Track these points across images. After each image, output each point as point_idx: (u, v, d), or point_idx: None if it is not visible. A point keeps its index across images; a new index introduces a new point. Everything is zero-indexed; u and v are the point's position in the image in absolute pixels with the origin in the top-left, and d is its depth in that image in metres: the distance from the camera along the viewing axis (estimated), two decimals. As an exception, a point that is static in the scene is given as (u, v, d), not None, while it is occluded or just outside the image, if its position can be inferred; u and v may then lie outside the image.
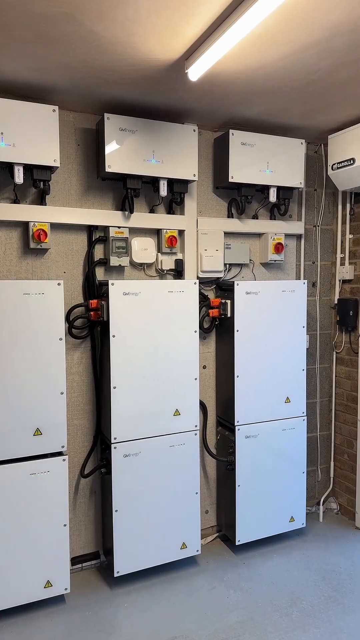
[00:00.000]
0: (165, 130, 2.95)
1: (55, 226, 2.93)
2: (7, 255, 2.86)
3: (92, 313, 2.98)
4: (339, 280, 3.81)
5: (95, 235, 3.05)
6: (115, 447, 2.90)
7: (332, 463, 3.94)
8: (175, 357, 3.02)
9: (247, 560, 3.27)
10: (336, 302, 3.81)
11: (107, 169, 2.83)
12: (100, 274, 3.10)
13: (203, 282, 3.34)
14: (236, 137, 3.14)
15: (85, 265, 3.06)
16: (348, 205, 3.71)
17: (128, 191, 2.98)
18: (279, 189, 3.36)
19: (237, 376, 3.21)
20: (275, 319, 3.30)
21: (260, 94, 2.77)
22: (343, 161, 3.25)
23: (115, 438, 2.89)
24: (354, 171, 3.19)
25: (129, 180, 2.94)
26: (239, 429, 3.25)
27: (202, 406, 3.41)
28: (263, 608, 2.82)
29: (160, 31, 2.07)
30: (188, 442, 3.09)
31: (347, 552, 3.37)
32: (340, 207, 3.76)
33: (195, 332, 3.07)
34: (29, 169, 2.71)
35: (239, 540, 3.29)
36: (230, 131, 3.13)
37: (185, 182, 3.11)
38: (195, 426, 3.12)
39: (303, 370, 3.44)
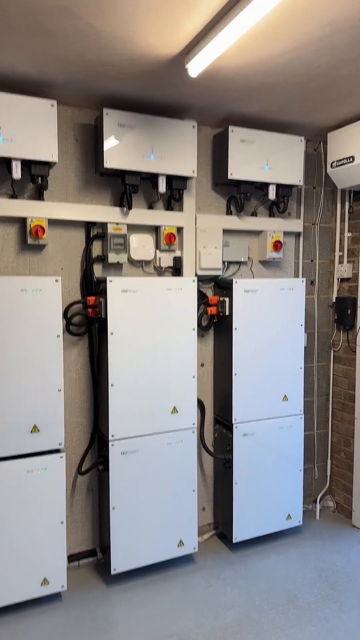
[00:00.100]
0: (165, 126, 2.93)
1: (53, 222, 2.91)
2: (4, 251, 2.84)
3: (89, 310, 2.96)
4: (337, 279, 3.80)
5: (94, 231, 3.03)
6: (112, 445, 2.89)
7: (329, 461, 3.94)
8: (174, 355, 3.01)
9: (244, 558, 3.27)
10: (334, 300, 3.80)
11: (106, 165, 2.81)
12: (98, 270, 3.08)
13: (201, 279, 3.33)
14: (235, 134, 3.13)
15: (83, 262, 3.04)
16: (347, 203, 3.70)
17: (126, 187, 2.96)
18: (278, 186, 3.35)
19: (235, 374, 3.21)
20: (273, 317, 3.29)
21: (260, 91, 2.76)
22: (342, 159, 3.24)
23: (112, 435, 2.88)
24: (354, 169, 3.18)
25: (127, 176, 2.92)
26: (236, 427, 3.24)
27: (200, 404, 3.41)
28: (260, 606, 2.82)
29: (161, 26, 2.05)
30: (186, 440, 3.08)
31: (343, 550, 3.37)
32: (339, 205, 3.75)
33: (194, 330, 3.06)
34: (26, 164, 2.69)
35: (236, 538, 3.28)
36: (230, 128, 3.11)
37: (184, 179, 3.09)
38: (193, 424, 3.11)
39: (301, 368, 3.43)
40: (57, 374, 2.71)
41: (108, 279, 2.80)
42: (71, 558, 3.10)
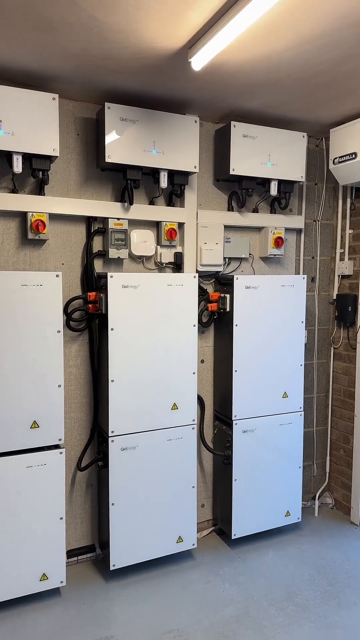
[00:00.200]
0: (167, 120, 2.91)
1: (53, 217, 2.90)
2: (4, 245, 2.82)
3: (90, 306, 2.94)
4: (338, 276, 3.79)
5: (94, 226, 3.01)
6: (112, 441, 2.88)
7: (328, 458, 3.95)
8: (174, 351, 3.00)
9: (243, 554, 3.28)
10: (335, 297, 3.80)
11: (107, 159, 2.79)
12: (98, 266, 3.06)
13: (202, 275, 3.31)
14: (238, 129, 3.11)
15: (83, 257, 3.02)
16: (349, 200, 3.68)
17: (128, 182, 2.94)
18: (280, 182, 3.33)
19: (236, 371, 3.20)
20: (274, 314, 3.29)
21: (263, 86, 2.73)
22: (345, 155, 3.22)
23: (112, 431, 2.88)
24: (356, 165, 3.17)
25: (129, 171, 2.90)
26: (236, 424, 3.24)
27: (200, 400, 3.40)
28: (259, 602, 2.82)
29: (164, 18, 2.03)
30: (185, 436, 3.08)
31: (342, 547, 3.38)
32: (340, 201, 3.74)
33: (194, 326, 3.05)
34: (27, 158, 2.67)
35: (234, 534, 3.29)
36: (232, 123, 3.09)
37: (185, 174, 3.07)
38: (193, 420, 3.11)
39: (301, 365, 3.43)
40: (57, 370, 2.70)
41: (109, 274, 2.78)
42: (70, 554, 3.10)
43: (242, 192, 3.30)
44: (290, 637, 2.56)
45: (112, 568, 2.93)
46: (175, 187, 3.10)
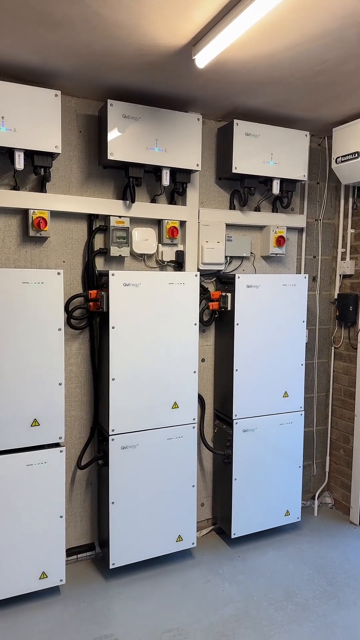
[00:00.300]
0: (169, 118, 2.89)
1: (55, 214, 2.88)
2: (5, 243, 2.81)
3: (91, 304, 2.93)
4: (340, 275, 3.78)
5: (96, 224, 3.00)
6: (113, 439, 2.87)
7: (327, 458, 3.94)
8: (175, 350, 2.99)
9: (243, 553, 3.28)
10: (336, 297, 3.79)
11: (110, 157, 2.77)
12: (99, 264, 3.05)
13: (203, 274, 3.30)
14: (240, 127, 3.10)
15: (85, 255, 3.01)
16: (351, 200, 3.67)
17: (130, 180, 2.93)
18: (282, 181, 3.33)
19: (236, 370, 3.19)
20: (275, 313, 3.28)
21: (266, 84, 2.72)
22: (347, 154, 3.21)
23: (113, 430, 2.87)
24: (358, 165, 3.16)
25: (131, 169, 2.89)
26: (236, 423, 3.23)
27: (200, 399, 3.40)
28: (258, 601, 2.82)
29: (169, 15, 2.02)
30: (186, 435, 3.07)
31: (341, 547, 3.38)
32: (342, 201, 3.73)
33: (195, 324, 3.04)
34: (29, 155, 2.66)
35: (234, 534, 3.29)
36: (235, 121, 3.08)
37: (188, 172, 3.06)
38: (194, 419, 3.10)
39: (302, 365, 3.42)
40: (58, 368, 2.69)
41: (110, 272, 2.77)
42: (69, 552, 3.09)
43: (244, 190, 3.30)
44: (289, 636, 2.56)
45: (111, 567, 2.92)
46: (177, 185, 3.09)
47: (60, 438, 2.74)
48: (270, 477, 3.36)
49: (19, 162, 2.60)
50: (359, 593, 2.91)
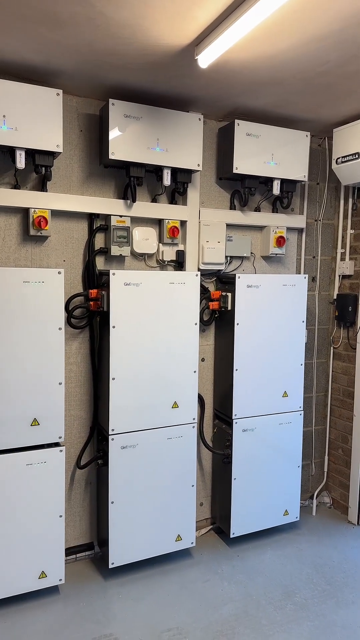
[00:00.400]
0: (171, 118, 2.89)
1: (55, 213, 2.88)
2: (5, 241, 2.81)
3: (91, 303, 2.93)
4: (339, 276, 3.79)
5: (96, 223, 3.00)
6: (112, 439, 2.87)
7: (326, 457, 3.96)
8: (175, 350, 2.99)
9: (241, 553, 3.28)
10: (335, 297, 3.80)
11: (111, 156, 2.77)
12: (100, 263, 3.05)
13: (204, 274, 3.31)
14: (241, 128, 3.10)
15: (85, 254, 3.01)
16: (350, 200, 3.68)
17: (131, 179, 2.92)
18: (283, 181, 3.33)
19: (236, 369, 3.20)
20: (275, 313, 3.29)
21: (267, 85, 2.73)
22: (348, 155, 3.22)
23: (113, 430, 2.87)
24: (359, 165, 3.16)
25: (132, 169, 2.89)
26: (236, 423, 3.24)
27: (200, 399, 3.40)
28: (257, 601, 2.83)
29: (172, 15, 2.02)
30: (185, 435, 3.07)
31: (340, 546, 3.39)
32: (342, 201, 3.74)
33: (196, 324, 3.05)
34: (30, 153, 2.65)
35: (233, 533, 3.29)
36: (236, 121, 3.08)
37: (189, 172, 3.06)
38: (193, 419, 3.10)
39: (301, 364, 3.43)
40: (58, 367, 2.69)
41: (111, 271, 2.77)
42: (68, 551, 3.09)
43: (244, 190, 3.30)
44: (289, 635, 2.57)
45: (110, 566, 2.92)
46: (178, 185, 3.09)
47: (60, 438, 2.73)
48: (269, 476, 3.37)
49: (20, 161, 2.59)
50: (358, 592, 2.92)
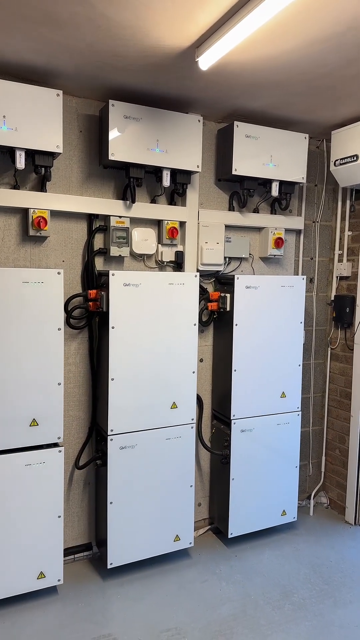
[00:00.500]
0: (170, 119, 2.90)
1: (55, 214, 2.88)
2: (5, 242, 2.80)
3: (90, 303, 2.93)
4: (336, 277, 3.81)
5: (96, 224, 3.00)
6: (111, 439, 2.88)
7: (323, 458, 3.97)
8: (174, 350, 3.00)
9: (239, 553, 3.29)
10: (333, 298, 3.82)
11: (111, 157, 2.77)
12: (99, 263, 3.05)
13: (202, 275, 3.31)
14: (241, 129, 3.11)
15: (84, 255, 3.01)
16: (348, 202, 3.70)
17: (130, 180, 2.93)
18: (281, 183, 3.34)
19: (235, 370, 3.21)
20: (273, 314, 3.30)
21: (267, 87, 2.74)
22: (346, 157, 3.24)
23: (112, 430, 2.87)
24: (357, 168, 3.18)
25: (132, 169, 2.89)
26: (234, 423, 3.25)
27: (198, 399, 3.40)
28: (255, 601, 2.84)
29: (173, 17, 2.02)
30: (184, 435, 3.08)
31: (337, 546, 3.41)
32: (340, 203, 3.76)
33: (195, 325, 3.05)
34: (30, 154, 2.65)
35: (231, 533, 3.30)
36: (235, 123, 3.09)
37: (188, 173, 3.07)
38: (192, 419, 3.11)
39: (299, 365, 3.45)
40: (58, 368, 2.69)
41: (111, 272, 2.77)
42: (67, 552, 3.09)
43: (243, 192, 3.31)
44: (287, 635, 2.58)
45: (109, 566, 2.93)
46: (177, 186, 3.10)
47: (59, 438, 2.73)
48: (267, 477, 3.38)
49: (20, 162, 2.59)
50: (355, 592, 2.94)
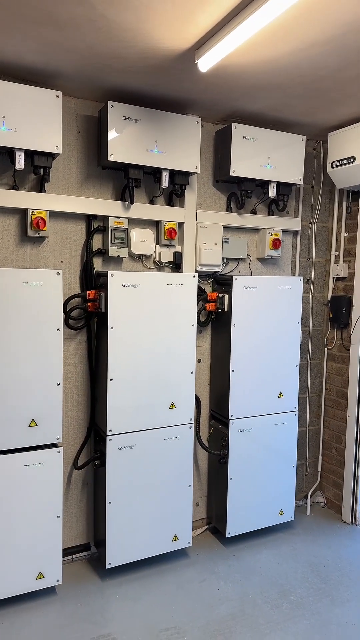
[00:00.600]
0: (169, 120, 2.91)
1: (53, 214, 2.88)
2: (3, 242, 2.80)
3: (89, 304, 2.94)
4: (333, 278, 3.84)
5: (94, 225, 3.01)
6: (110, 440, 2.88)
7: (320, 457, 3.99)
8: (173, 350, 3.01)
9: (237, 552, 3.31)
10: (329, 299, 3.84)
11: (110, 158, 2.78)
12: (97, 264, 3.06)
13: (201, 275, 3.33)
14: (239, 131, 3.12)
15: (83, 255, 3.02)
16: (345, 203, 3.73)
17: (129, 181, 2.93)
18: (279, 184, 3.36)
19: (233, 370, 3.22)
20: (271, 315, 3.32)
21: (266, 89, 2.75)
22: (343, 159, 3.26)
23: (110, 430, 2.88)
24: (354, 169, 3.21)
25: (130, 170, 2.90)
26: (232, 423, 3.26)
27: (196, 399, 3.42)
28: (254, 600, 2.85)
29: (174, 19, 2.03)
30: (182, 436, 3.09)
31: (334, 545, 3.43)
32: (336, 204, 3.78)
33: (193, 325, 3.07)
34: (29, 155, 2.65)
35: (229, 533, 3.31)
36: (233, 124, 3.11)
37: (186, 174, 3.08)
38: (190, 419, 3.12)
39: (296, 365, 3.47)
40: (56, 368, 2.69)
41: (109, 273, 2.78)
42: (65, 552, 3.09)
43: (241, 193, 3.33)
44: (285, 634, 2.59)
45: (107, 566, 2.93)
46: (175, 187, 3.11)
47: (57, 438, 2.74)
48: (264, 476, 3.40)
49: (19, 162, 2.59)
50: (352, 590, 2.96)
